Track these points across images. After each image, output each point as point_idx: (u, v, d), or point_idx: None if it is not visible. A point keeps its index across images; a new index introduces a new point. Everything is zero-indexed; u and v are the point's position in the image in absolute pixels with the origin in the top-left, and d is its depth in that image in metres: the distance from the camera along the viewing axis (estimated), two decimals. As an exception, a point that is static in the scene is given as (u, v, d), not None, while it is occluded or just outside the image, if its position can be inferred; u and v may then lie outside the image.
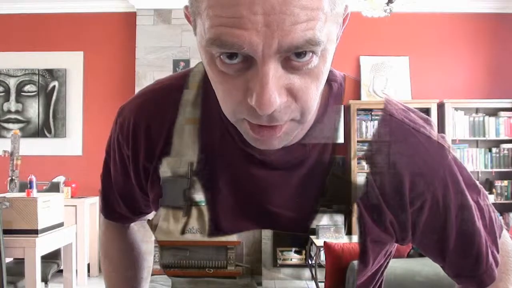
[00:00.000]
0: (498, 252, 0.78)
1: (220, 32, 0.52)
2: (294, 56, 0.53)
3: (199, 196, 0.73)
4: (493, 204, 4.89)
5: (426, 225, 0.73)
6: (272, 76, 0.53)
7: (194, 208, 0.73)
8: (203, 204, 0.73)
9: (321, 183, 0.72)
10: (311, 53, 0.54)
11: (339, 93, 0.74)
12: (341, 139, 0.86)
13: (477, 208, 0.76)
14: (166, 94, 0.76)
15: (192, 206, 0.73)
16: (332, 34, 0.56)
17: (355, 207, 0.73)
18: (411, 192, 0.71)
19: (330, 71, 0.73)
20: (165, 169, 0.74)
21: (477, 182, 0.78)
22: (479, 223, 0.75)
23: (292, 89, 0.55)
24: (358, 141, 5.04)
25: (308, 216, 0.74)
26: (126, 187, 0.83)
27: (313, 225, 0.75)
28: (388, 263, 0.87)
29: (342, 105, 0.75)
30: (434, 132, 0.73)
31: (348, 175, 0.74)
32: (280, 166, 0.71)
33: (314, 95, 0.57)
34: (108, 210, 0.91)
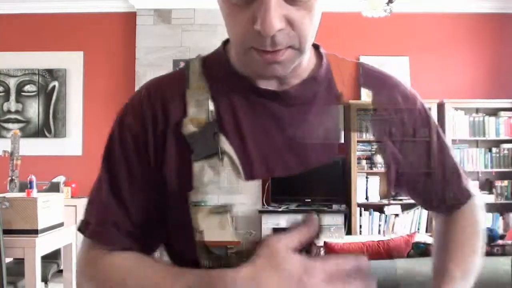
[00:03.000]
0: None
1: None
2: None
3: (229, 140, 0.76)
4: (493, 204, 4.83)
5: (417, 139, 0.87)
6: (274, 3, 0.64)
7: (226, 155, 0.75)
8: (233, 146, 0.75)
9: (337, 111, 0.82)
10: None
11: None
12: (341, 139, 0.87)
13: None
14: (171, 76, 0.83)
15: (225, 150, 0.75)
16: None
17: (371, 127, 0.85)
18: (406, 109, 0.86)
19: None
20: (187, 127, 0.75)
21: None
22: (451, 151, 0.93)
23: (289, 19, 0.66)
24: (358, 141, 5.03)
25: (335, 141, 0.82)
26: (144, 193, 0.78)
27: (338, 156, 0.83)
28: None
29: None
30: None
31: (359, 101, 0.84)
32: (296, 101, 0.79)
33: (308, 25, 0.68)
34: (129, 240, 0.78)
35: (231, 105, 0.78)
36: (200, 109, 0.77)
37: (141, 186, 0.77)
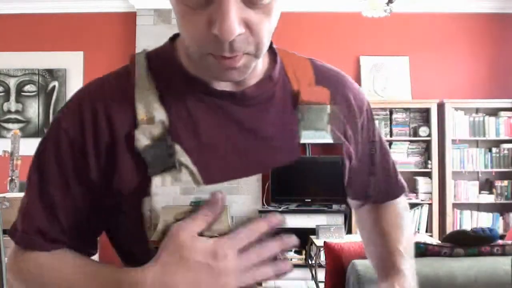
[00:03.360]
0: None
1: None
2: None
3: (185, 148, 0.73)
4: (493, 204, 4.85)
5: (364, 137, 0.89)
6: (233, 6, 0.61)
7: (183, 163, 0.72)
8: (189, 157, 0.72)
9: (295, 110, 0.80)
10: None
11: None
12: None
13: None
14: (115, 76, 0.80)
15: (182, 161, 0.72)
16: None
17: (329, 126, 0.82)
18: (357, 107, 0.87)
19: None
20: (140, 140, 0.72)
21: None
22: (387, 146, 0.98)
23: (248, 22, 0.63)
24: (358, 141, 5.04)
25: (295, 140, 0.79)
26: (77, 200, 0.75)
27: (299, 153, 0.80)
28: None
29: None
30: None
31: (315, 99, 0.82)
32: (254, 101, 0.77)
33: (266, 29, 0.65)
34: (55, 245, 0.76)
35: (186, 109, 0.74)
36: (151, 118, 0.72)
37: (74, 193, 0.74)
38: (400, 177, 0.99)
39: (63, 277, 0.73)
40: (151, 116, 0.73)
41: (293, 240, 0.68)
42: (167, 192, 0.71)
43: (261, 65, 0.78)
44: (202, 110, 0.75)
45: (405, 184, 1.00)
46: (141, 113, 0.73)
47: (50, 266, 0.74)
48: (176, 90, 0.75)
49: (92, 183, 0.73)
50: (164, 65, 0.77)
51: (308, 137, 0.79)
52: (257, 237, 0.65)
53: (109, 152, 0.73)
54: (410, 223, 0.98)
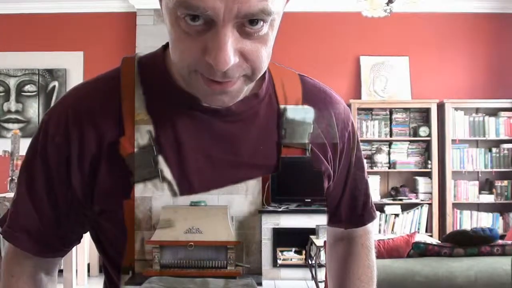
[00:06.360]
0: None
1: None
2: (248, 23, 0.62)
3: (167, 160, 0.74)
4: (493, 204, 4.85)
5: (343, 159, 0.88)
6: (229, 38, 0.61)
7: (164, 175, 0.74)
8: (170, 167, 0.74)
9: (277, 127, 0.81)
10: (262, 22, 0.63)
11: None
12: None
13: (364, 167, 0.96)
14: (104, 81, 0.80)
15: (163, 170, 0.74)
16: (280, 7, 0.65)
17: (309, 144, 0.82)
18: (339, 129, 0.86)
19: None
20: (125, 148, 0.73)
21: None
22: (365, 173, 0.96)
23: (243, 52, 0.64)
24: (358, 141, 5.04)
25: (274, 158, 0.80)
26: (62, 205, 0.77)
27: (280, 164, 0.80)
28: None
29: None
30: None
31: (300, 117, 0.82)
32: (237, 118, 0.77)
33: (263, 57, 0.66)
34: (40, 244, 0.78)
35: (170, 120, 0.75)
36: (138, 127, 0.74)
37: (59, 195, 0.76)
38: (372, 205, 0.97)
39: None
40: (138, 124, 0.74)
41: None
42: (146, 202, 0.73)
43: None
44: (185, 123, 0.76)
45: (374, 213, 0.98)
46: (128, 122, 0.74)
47: None
48: (163, 100, 0.76)
49: (74, 189, 0.75)
50: (154, 72, 0.78)
51: (287, 154, 0.80)
52: None
53: (94, 161, 0.74)
54: (360, 268, 0.95)
